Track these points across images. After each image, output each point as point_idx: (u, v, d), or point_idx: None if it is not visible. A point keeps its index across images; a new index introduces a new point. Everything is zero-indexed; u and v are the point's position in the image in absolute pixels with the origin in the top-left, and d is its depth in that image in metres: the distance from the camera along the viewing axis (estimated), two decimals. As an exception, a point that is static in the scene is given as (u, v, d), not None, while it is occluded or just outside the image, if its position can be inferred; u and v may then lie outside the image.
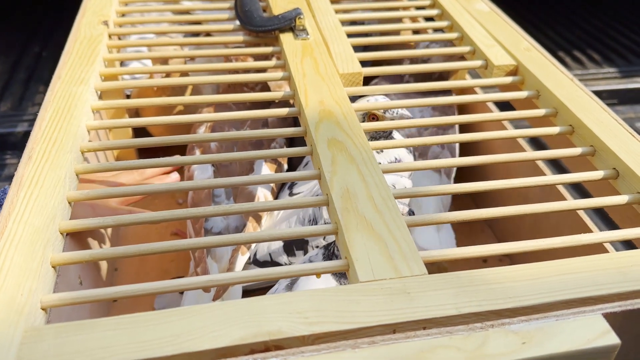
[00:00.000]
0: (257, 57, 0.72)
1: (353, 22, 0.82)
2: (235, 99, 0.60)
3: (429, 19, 0.87)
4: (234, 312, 0.36)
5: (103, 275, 0.72)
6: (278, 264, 0.68)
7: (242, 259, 0.65)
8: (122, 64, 0.84)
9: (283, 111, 0.58)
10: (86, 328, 0.35)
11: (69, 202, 0.47)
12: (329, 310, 0.36)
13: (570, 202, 0.50)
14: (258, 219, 0.68)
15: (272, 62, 0.67)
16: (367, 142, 0.52)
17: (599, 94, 1.28)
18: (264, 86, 0.79)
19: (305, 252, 0.68)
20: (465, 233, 0.81)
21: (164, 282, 0.40)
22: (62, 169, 0.48)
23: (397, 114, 0.64)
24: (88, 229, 0.45)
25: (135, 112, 0.87)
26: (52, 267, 0.41)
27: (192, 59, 0.85)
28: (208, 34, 0.78)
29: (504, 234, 0.81)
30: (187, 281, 0.41)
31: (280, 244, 0.68)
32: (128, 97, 0.87)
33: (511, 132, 0.58)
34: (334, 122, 0.54)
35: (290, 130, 0.56)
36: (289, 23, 0.70)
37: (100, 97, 0.62)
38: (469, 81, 0.65)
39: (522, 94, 0.63)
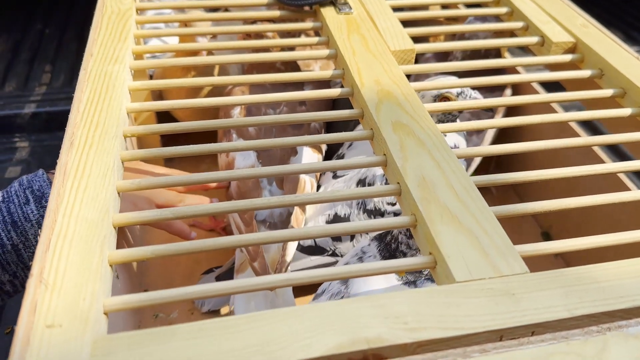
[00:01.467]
0: (295, 34, 0.68)
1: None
2: (272, 80, 0.56)
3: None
4: (325, 317, 0.32)
5: (134, 266, 0.68)
6: (323, 249, 0.65)
7: (293, 245, 0.62)
8: (145, 41, 0.79)
9: (335, 91, 0.54)
10: (163, 337, 0.31)
11: (118, 193, 0.43)
12: (429, 314, 0.33)
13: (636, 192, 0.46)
14: (303, 205, 0.64)
15: (314, 39, 0.63)
16: (434, 125, 0.48)
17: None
18: (293, 66, 0.74)
19: (352, 237, 0.64)
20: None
21: (229, 282, 0.36)
22: (110, 156, 0.43)
23: (470, 97, 0.60)
24: (145, 223, 0.41)
25: (159, 94, 0.83)
26: (110, 265, 0.37)
27: (215, 36, 0.81)
28: (240, 8, 0.73)
29: (549, 223, 0.78)
30: (246, 283, 0.37)
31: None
32: (151, 77, 0.82)
33: (571, 114, 0.54)
34: (395, 104, 0.50)
35: (346, 113, 0.52)
36: (331, -3, 0.65)
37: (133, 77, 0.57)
38: (524, 59, 0.61)
39: (584, 73, 0.59)
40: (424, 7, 0.89)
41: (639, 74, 0.56)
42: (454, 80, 0.60)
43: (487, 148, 0.49)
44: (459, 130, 0.51)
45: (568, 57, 0.61)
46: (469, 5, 0.85)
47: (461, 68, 0.59)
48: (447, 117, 0.62)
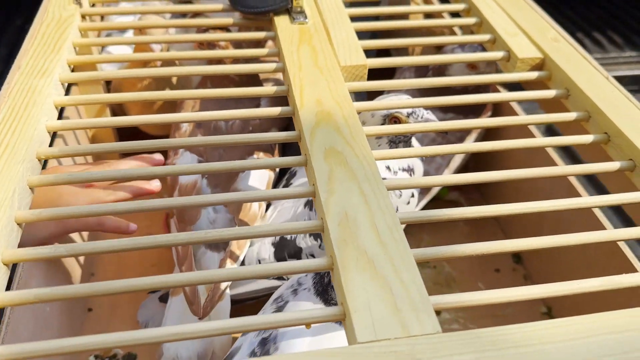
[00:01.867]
0: (250, 44, 0.64)
1: (357, 3, 0.74)
2: (219, 95, 0.53)
3: (443, 1, 0.78)
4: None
5: (77, 282, 0.65)
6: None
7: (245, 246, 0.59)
8: (102, 49, 0.76)
9: (275, 111, 0.51)
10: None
11: (18, 224, 0.39)
12: (320, 382, 0.29)
13: (611, 232, 0.42)
14: (246, 223, 0.61)
15: (264, 50, 0.59)
16: (370, 153, 0.44)
17: (620, 79, 1.20)
18: (249, 76, 0.71)
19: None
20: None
21: (144, 279, 0.33)
22: (11, 183, 0.40)
23: (422, 118, 0.56)
24: (44, 259, 0.37)
25: (118, 104, 0.80)
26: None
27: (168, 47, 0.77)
28: (195, 14, 0.70)
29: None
30: (173, 278, 0.34)
31: (270, 251, 0.61)
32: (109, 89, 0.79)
33: (538, 140, 0.50)
34: (333, 127, 0.47)
35: (282, 135, 0.48)
36: (285, 4, 0.61)
37: (68, 92, 0.54)
38: (485, 77, 0.57)
39: (549, 93, 0.55)
40: (388, 17, 0.84)
41: (606, 96, 0.52)
42: (404, 99, 0.56)
43: (425, 180, 0.45)
44: (398, 157, 0.48)
45: (534, 75, 0.57)
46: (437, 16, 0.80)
47: (412, 86, 0.56)
48: (399, 137, 0.58)
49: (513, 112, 0.76)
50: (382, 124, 0.58)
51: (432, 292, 0.72)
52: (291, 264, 0.38)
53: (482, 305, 0.36)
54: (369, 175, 0.42)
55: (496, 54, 0.59)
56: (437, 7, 0.70)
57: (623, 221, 0.86)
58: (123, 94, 0.54)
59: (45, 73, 0.51)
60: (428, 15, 0.82)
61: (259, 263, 0.61)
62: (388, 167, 0.58)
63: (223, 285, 0.56)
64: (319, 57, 0.55)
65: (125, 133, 0.84)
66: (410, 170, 0.59)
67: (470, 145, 0.49)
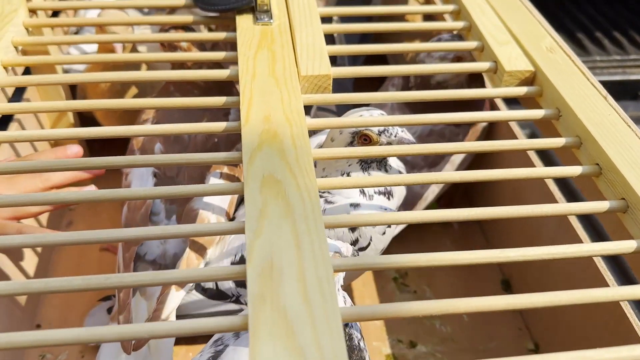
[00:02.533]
0: (210, 46, 0.58)
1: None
2: (171, 105, 0.47)
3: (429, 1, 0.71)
4: None
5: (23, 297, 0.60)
6: (224, 294, 0.56)
7: (177, 295, 0.53)
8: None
9: (220, 126, 0.45)
10: None
11: None
12: None
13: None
14: (202, 248, 0.55)
15: (222, 53, 0.53)
16: (315, 182, 0.38)
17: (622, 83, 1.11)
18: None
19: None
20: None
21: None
22: None
23: (395, 136, 0.50)
24: None
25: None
26: None
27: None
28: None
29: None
30: (104, 331, 0.29)
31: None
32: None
33: (526, 171, 0.43)
34: (276, 150, 0.41)
35: (221, 156, 0.43)
36: (248, 2, 0.55)
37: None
38: (465, 91, 0.50)
39: (537, 114, 0.48)
40: (369, 19, 0.77)
41: (601, 121, 0.45)
42: (376, 115, 0.50)
43: (380, 216, 0.39)
44: (349, 187, 0.41)
45: (522, 91, 0.50)
46: (426, 18, 0.73)
47: (376, 100, 0.49)
48: (370, 158, 0.52)
49: (506, 125, 0.70)
50: (351, 142, 0.52)
51: (410, 321, 0.67)
52: (201, 323, 0.32)
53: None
54: (308, 211, 0.36)
55: (482, 65, 0.53)
56: (422, 8, 0.63)
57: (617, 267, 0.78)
58: (70, 102, 0.49)
59: (-33, 77, 0.46)
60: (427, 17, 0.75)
61: (216, 283, 0.56)
62: (362, 191, 0.52)
63: (170, 307, 0.51)
64: (277, 64, 0.49)
65: (94, 144, 0.79)
66: (388, 193, 0.53)
67: (451, 174, 0.43)
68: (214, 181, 0.57)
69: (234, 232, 0.37)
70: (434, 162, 0.67)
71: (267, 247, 0.34)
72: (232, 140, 0.60)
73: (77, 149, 0.51)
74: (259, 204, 0.37)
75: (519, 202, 0.66)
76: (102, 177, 0.52)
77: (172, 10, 0.82)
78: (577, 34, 1.25)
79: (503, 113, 0.49)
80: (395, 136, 0.50)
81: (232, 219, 0.58)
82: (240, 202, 0.60)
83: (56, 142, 0.74)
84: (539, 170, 0.44)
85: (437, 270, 0.70)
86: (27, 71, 0.61)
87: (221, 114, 0.61)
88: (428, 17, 0.79)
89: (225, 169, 0.59)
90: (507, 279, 0.69)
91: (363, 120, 0.47)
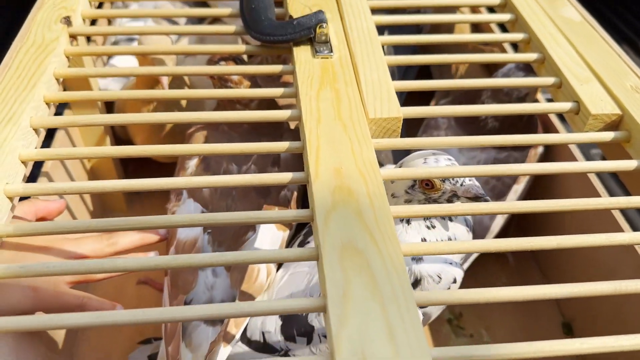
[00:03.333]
0: (264, 79, 0.54)
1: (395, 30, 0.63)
2: (222, 150, 0.43)
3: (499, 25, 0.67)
4: None
5: (61, 335, 0.57)
6: (272, 348, 0.53)
7: (224, 351, 0.49)
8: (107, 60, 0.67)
9: (286, 177, 0.41)
10: None
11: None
12: None
13: None
14: (251, 297, 0.52)
15: (280, 90, 0.49)
16: (398, 248, 0.34)
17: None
18: (270, 103, 0.61)
19: (310, 340, 0.52)
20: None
21: None
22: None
23: (461, 185, 0.46)
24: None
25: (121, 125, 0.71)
26: None
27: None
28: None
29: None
30: None
31: (277, 324, 0.52)
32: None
33: (601, 201, 0.39)
34: (353, 212, 0.37)
35: (290, 215, 0.39)
36: (307, 33, 0.51)
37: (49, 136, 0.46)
38: (552, 137, 0.46)
39: (629, 165, 0.44)
40: (431, 49, 0.72)
41: None
42: (443, 161, 0.46)
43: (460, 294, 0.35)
44: (436, 253, 0.38)
45: (609, 136, 0.46)
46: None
47: (451, 145, 0.45)
48: (435, 201, 0.48)
49: (567, 150, 0.65)
50: (412, 186, 0.48)
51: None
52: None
53: None
54: (396, 287, 0.33)
55: (562, 106, 0.48)
56: (490, 36, 0.58)
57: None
58: (120, 115, 0.45)
59: (10, 120, 0.43)
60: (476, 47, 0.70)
61: (263, 335, 0.52)
62: (424, 240, 0.48)
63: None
64: (342, 105, 0.45)
65: (129, 165, 0.76)
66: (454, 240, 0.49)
67: (521, 203, 0.39)
68: (264, 228, 0.53)
69: (314, 310, 0.33)
70: (501, 192, 0.64)
71: (357, 339, 0.30)
72: (286, 165, 0.57)
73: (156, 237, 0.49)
74: (341, 282, 0.33)
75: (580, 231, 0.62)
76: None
77: (213, 20, 0.79)
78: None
79: (590, 164, 0.45)
80: (461, 184, 0.46)
81: (279, 266, 0.54)
82: (289, 243, 0.56)
83: (97, 163, 0.70)
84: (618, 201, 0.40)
85: (493, 311, 0.66)
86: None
87: (270, 156, 0.58)
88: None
89: (276, 210, 0.55)
90: (568, 321, 0.65)
91: (440, 171, 0.43)
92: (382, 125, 0.45)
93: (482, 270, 0.69)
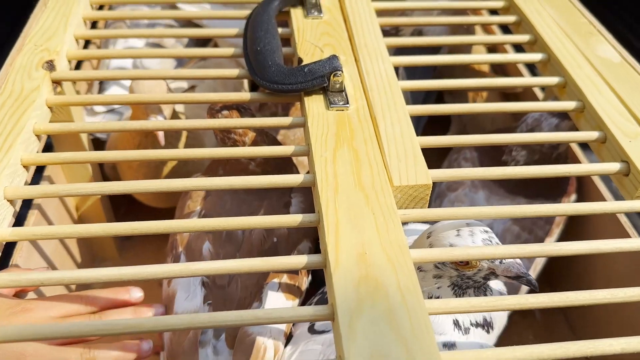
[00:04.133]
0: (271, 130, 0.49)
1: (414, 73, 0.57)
2: (227, 226, 0.37)
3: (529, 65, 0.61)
4: None
5: None
6: None
7: None
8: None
9: (300, 261, 0.35)
10: None
11: None
12: None
13: None
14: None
15: (291, 148, 0.43)
16: (437, 354, 0.29)
17: None
18: (273, 165, 0.55)
19: None
20: None
21: None
22: None
23: (501, 262, 0.40)
24: None
25: (114, 171, 0.65)
26: None
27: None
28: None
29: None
30: None
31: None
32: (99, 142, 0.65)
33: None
34: (384, 315, 0.31)
35: (309, 312, 0.33)
36: (320, 82, 0.45)
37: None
38: (601, 205, 0.40)
39: (694, 240, 0.38)
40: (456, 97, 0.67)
41: None
42: (477, 235, 0.40)
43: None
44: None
45: (666, 203, 0.41)
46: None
47: (500, 215, 0.39)
48: (466, 282, 0.42)
49: (596, 191, 0.60)
50: (443, 262, 0.42)
51: None
52: None
53: None
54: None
55: (608, 166, 0.43)
56: (519, 80, 0.53)
57: None
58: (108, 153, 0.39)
59: (-19, 191, 0.37)
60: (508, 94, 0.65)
61: None
62: (456, 322, 0.42)
63: None
64: (363, 170, 0.40)
65: (120, 209, 0.70)
66: (487, 325, 0.43)
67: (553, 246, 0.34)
68: (272, 294, 0.48)
69: None
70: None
71: None
72: (293, 240, 0.51)
73: (139, 294, 0.43)
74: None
75: (611, 282, 0.56)
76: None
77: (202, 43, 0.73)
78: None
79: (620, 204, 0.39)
80: (501, 262, 0.40)
81: (289, 338, 0.48)
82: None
83: (85, 211, 0.65)
84: None
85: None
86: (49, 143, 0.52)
87: (281, 204, 0.52)
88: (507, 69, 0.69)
89: (285, 278, 0.49)
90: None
91: (479, 252, 0.37)
92: (409, 193, 0.40)
93: (507, 326, 0.63)
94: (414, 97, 0.69)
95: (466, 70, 0.76)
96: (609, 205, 0.40)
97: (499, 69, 0.79)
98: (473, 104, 0.56)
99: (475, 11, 0.81)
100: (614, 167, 0.43)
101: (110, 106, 0.66)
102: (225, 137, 0.50)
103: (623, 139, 0.44)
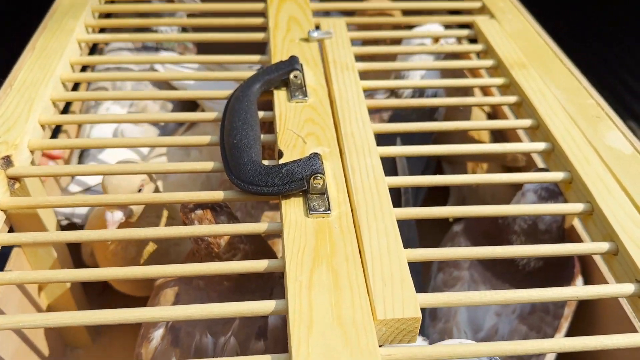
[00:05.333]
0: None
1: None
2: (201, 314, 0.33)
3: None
4: None
5: None
6: None
7: None
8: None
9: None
10: None
11: None
12: None
13: None
14: None
15: (264, 262, 0.39)
16: None
17: None
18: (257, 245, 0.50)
19: None
20: None
21: None
22: None
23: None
24: None
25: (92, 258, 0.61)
26: None
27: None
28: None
29: None
30: None
31: None
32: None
33: None
34: None
35: None
36: (298, 186, 0.41)
37: None
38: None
39: None
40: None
41: None
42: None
43: None
44: None
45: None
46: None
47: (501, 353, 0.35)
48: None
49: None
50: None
51: None
52: None
53: None
54: None
55: (622, 289, 0.38)
56: (521, 176, 0.48)
57: None
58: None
59: None
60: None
61: None
62: None
63: None
64: (342, 299, 0.35)
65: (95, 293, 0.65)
66: None
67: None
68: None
69: None
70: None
71: None
72: (275, 338, 0.46)
73: None
74: None
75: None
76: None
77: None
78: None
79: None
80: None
81: None
82: None
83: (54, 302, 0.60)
84: None
85: None
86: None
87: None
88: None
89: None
90: None
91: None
92: (395, 326, 0.35)
93: None
94: (413, 164, 0.65)
95: (465, 137, 0.72)
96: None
97: (500, 136, 0.75)
98: (472, 175, 0.52)
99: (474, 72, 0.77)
100: (628, 289, 0.38)
101: (86, 186, 0.62)
102: (198, 239, 0.46)
103: (636, 253, 0.39)
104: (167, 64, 0.73)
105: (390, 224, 0.40)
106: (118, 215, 0.50)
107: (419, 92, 0.66)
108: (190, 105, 0.79)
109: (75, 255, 0.61)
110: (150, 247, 0.56)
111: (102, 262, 0.58)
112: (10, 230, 0.48)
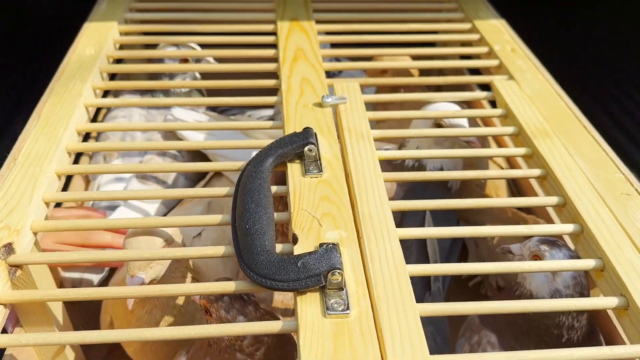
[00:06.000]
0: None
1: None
2: None
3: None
4: None
5: None
6: None
7: None
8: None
9: None
10: None
11: None
12: None
13: None
14: None
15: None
16: None
17: None
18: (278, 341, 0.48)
19: None
20: None
21: None
22: None
23: None
24: None
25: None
26: None
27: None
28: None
29: None
30: None
31: None
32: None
33: None
34: None
35: None
36: (315, 282, 0.39)
37: None
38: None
39: None
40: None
41: None
42: None
43: None
44: None
45: None
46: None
47: None
48: None
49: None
50: None
51: None
52: None
53: None
54: None
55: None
56: (551, 264, 0.45)
57: None
58: None
59: None
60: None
61: None
62: None
63: None
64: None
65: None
66: None
67: None
68: None
69: None
70: None
71: None
72: None
73: None
74: None
75: None
76: None
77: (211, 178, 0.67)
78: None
79: None
80: None
81: None
82: None
83: None
84: None
85: None
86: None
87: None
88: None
89: None
90: None
91: None
92: None
93: None
94: (440, 245, 0.62)
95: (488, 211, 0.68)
96: None
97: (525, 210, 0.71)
98: (503, 263, 0.49)
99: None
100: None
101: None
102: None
103: (627, 280, 0.36)
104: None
105: (414, 324, 0.38)
106: (139, 280, 0.47)
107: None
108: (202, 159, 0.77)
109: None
110: (176, 311, 0.53)
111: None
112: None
